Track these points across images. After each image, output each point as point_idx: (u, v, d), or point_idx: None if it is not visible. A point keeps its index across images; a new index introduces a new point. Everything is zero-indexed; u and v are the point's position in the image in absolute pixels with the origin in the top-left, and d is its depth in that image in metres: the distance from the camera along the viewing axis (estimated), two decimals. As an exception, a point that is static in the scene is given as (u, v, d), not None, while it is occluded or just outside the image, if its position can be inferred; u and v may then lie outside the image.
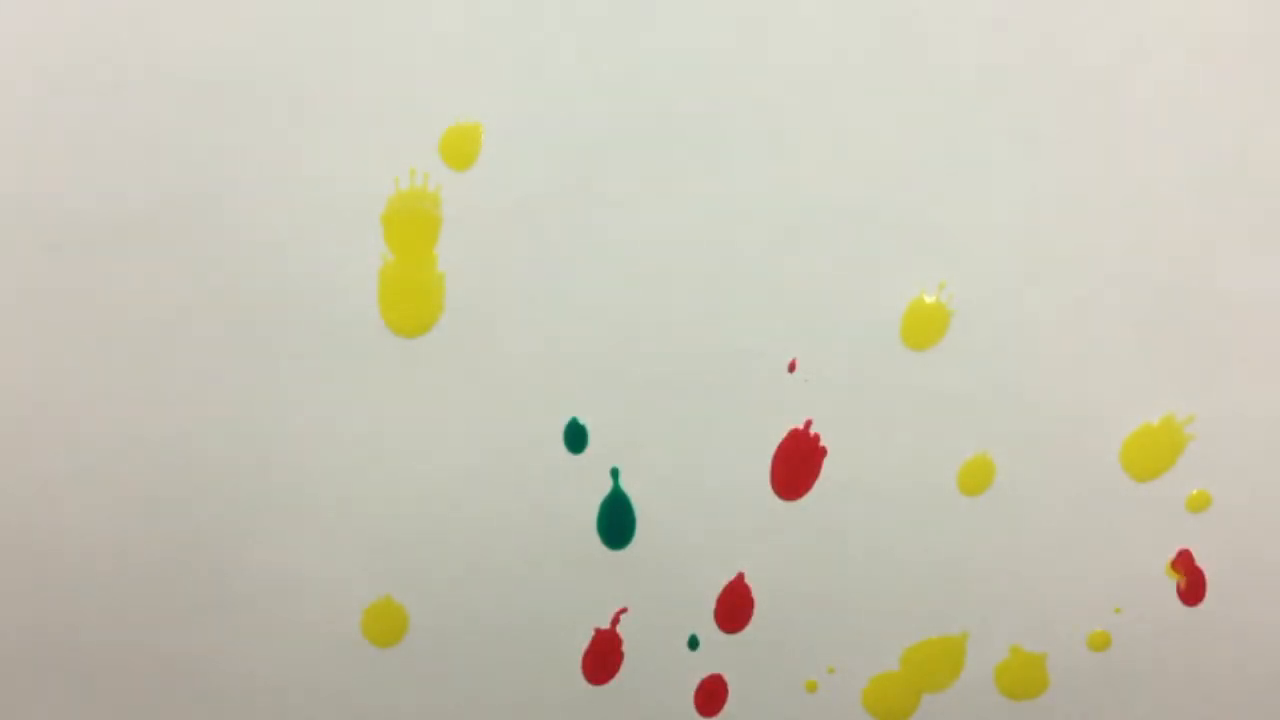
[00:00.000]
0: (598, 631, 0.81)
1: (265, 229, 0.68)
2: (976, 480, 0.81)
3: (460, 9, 0.66)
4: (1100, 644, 0.86)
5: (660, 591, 0.80)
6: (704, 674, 0.83)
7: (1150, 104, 0.73)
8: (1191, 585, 0.85)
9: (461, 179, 0.69)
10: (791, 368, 0.76)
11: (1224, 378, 0.80)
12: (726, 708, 0.85)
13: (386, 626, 0.77)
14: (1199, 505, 0.83)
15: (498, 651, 0.80)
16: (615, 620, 0.81)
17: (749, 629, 0.82)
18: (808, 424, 0.78)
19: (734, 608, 0.82)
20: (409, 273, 0.70)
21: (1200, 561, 0.85)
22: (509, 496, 0.76)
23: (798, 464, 0.78)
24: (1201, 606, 0.86)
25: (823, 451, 0.78)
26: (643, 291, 0.73)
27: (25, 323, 0.67)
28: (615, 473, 0.77)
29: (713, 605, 0.81)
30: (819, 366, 0.76)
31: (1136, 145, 0.74)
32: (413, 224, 0.69)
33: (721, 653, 0.83)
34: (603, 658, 0.81)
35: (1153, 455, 0.81)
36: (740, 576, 0.81)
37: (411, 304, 0.71)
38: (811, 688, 0.85)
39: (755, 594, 0.82)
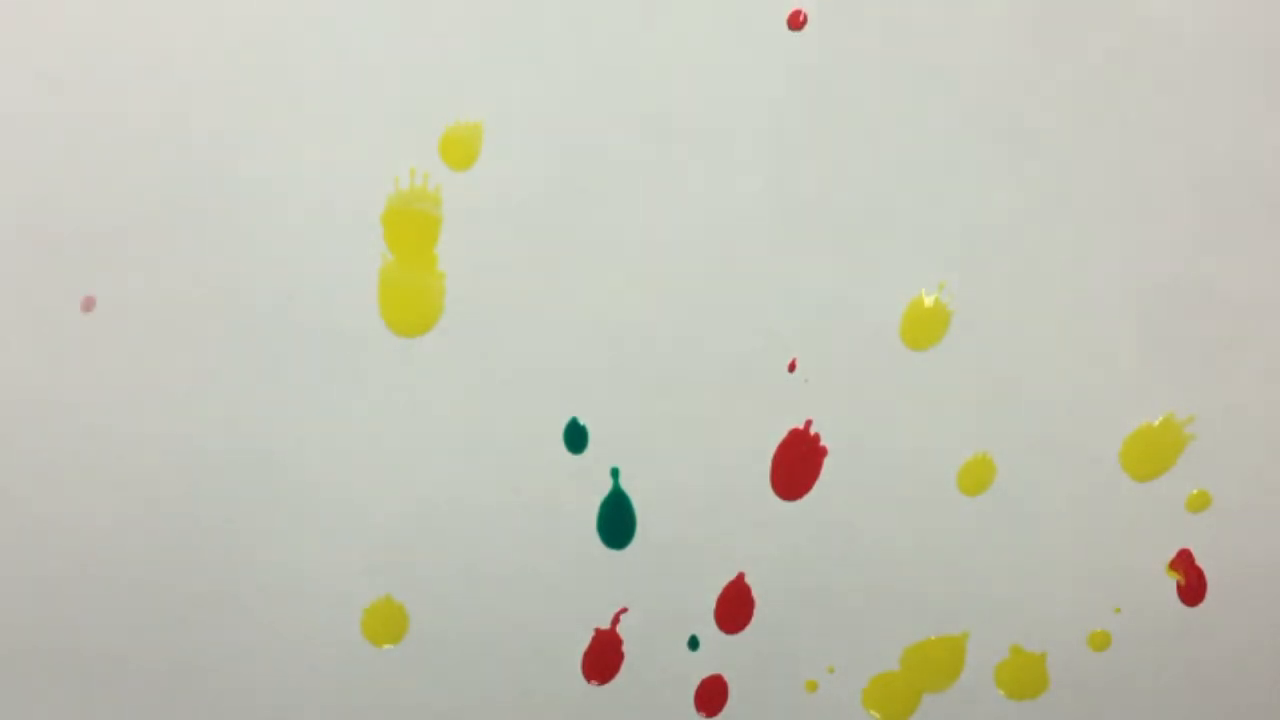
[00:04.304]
0: (598, 631, 0.81)
1: (265, 229, 0.68)
2: (976, 480, 0.81)
3: (460, 9, 0.66)
4: (1100, 644, 0.86)
5: (660, 591, 0.80)
6: (704, 674, 0.83)
7: (1150, 104, 0.73)
8: (1191, 585, 0.85)
9: (461, 179, 0.69)
10: (791, 368, 0.76)
11: (1224, 378, 0.80)
12: (726, 708, 0.85)
13: (386, 626, 0.77)
14: (1199, 505, 0.83)
15: (498, 651, 0.80)
16: (615, 620, 0.81)
17: (749, 629, 0.82)
18: (808, 424, 0.78)
19: (734, 608, 0.82)
20: (409, 273, 0.70)
21: (1200, 561, 0.85)
22: (509, 496, 0.76)
23: (798, 464, 0.78)
24: (1201, 606, 0.86)
25: (823, 451, 0.78)
26: (643, 291, 0.73)
27: (25, 323, 0.67)
28: (615, 473, 0.77)
29: (713, 605, 0.81)
30: (819, 366, 0.76)
31: (1136, 145, 0.74)
32: (413, 224, 0.69)
33: (721, 653, 0.83)
34: (603, 658, 0.81)
35: (1153, 455, 0.81)
36: (740, 576, 0.81)
37: (411, 304, 0.71)
38: (811, 688, 0.85)
39: (755, 594, 0.82)
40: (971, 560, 0.83)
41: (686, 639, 0.82)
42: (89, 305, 0.67)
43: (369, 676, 0.78)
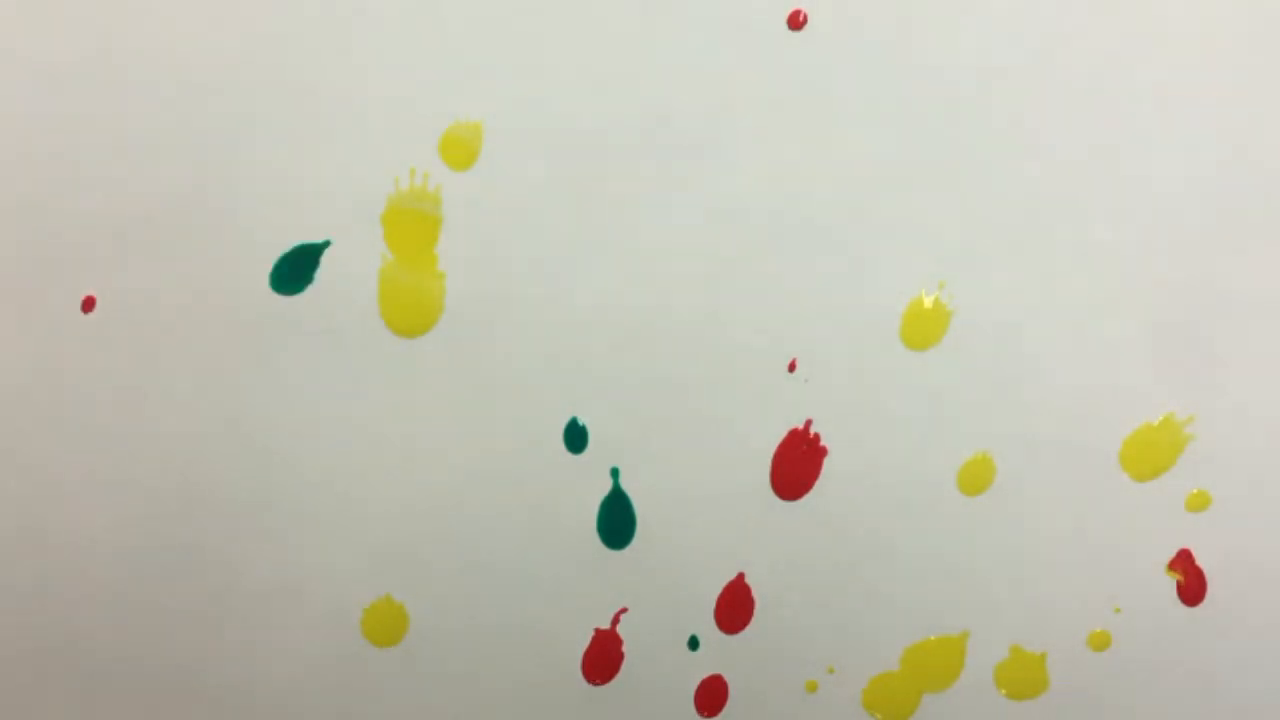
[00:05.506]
0: (598, 631, 0.81)
1: (265, 229, 0.68)
2: (976, 480, 0.81)
3: (460, 9, 0.66)
4: (1100, 644, 0.86)
5: (660, 591, 0.80)
6: (704, 674, 0.83)
7: (1150, 104, 0.73)
8: (1191, 585, 0.85)
9: (461, 179, 0.69)
10: (791, 368, 0.76)
11: (1224, 378, 0.80)
12: (726, 708, 0.85)
13: (386, 626, 0.77)
14: (1199, 505, 0.83)
15: (498, 651, 0.80)
16: (615, 620, 0.81)
17: (749, 629, 0.82)
18: (808, 424, 0.78)
19: (734, 608, 0.82)
20: (409, 273, 0.70)
21: (1200, 561, 0.85)
22: (509, 496, 0.76)
23: (798, 464, 0.78)
24: (1201, 606, 0.86)
25: (823, 451, 0.78)
26: (643, 291, 0.73)
27: (25, 323, 0.67)
28: (615, 473, 0.77)
29: (713, 605, 0.81)
30: (819, 366, 0.76)
31: (1136, 145, 0.74)
32: (413, 224, 0.69)
33: (721, 653, 0.83)
34: (603, 658, 0.81)
35: (1153, 455, 0.81)
36: (740, 576, 0.81)
37: (411, 304, 0.71)
38: (811, 688, 0.85)
39: (755, 594, 0.82)
40: (971, 560, 0.83)
41: (686, 639, 0.82)
42: (89, 305, 0.67)
43: (369, 676, 0.78)
